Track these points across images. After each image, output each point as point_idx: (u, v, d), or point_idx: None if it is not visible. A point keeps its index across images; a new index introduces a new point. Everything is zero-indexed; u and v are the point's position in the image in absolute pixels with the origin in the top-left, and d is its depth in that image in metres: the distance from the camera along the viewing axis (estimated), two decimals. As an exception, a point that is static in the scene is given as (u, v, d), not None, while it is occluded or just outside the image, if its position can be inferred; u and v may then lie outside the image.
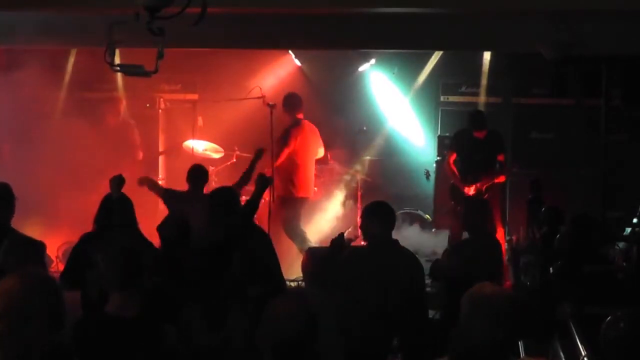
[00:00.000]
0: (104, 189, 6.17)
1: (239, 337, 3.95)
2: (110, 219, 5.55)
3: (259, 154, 7.81)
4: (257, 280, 5.24)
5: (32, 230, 6.34)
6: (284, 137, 8.73)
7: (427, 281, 6.44)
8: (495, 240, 6.55)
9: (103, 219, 5.58)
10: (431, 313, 6.50)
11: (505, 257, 8.63)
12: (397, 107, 10.63)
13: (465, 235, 6.75)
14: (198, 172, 7.26)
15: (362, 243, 6.32)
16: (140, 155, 9.76)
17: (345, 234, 5.65)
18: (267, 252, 5.72)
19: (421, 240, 9.14)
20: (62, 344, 3.07)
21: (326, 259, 5.51)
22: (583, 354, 4.45)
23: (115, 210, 5.61)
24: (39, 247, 4.66)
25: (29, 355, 2.94)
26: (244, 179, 7.57)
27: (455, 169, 9.03)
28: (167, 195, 7.22)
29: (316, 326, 3.33)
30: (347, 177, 9.93)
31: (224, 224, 5.70)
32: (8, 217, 5.64)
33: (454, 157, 9.07)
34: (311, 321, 3.32)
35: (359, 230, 5.64)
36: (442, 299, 6.05)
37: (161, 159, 10.50)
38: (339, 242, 5.50)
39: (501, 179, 9.06)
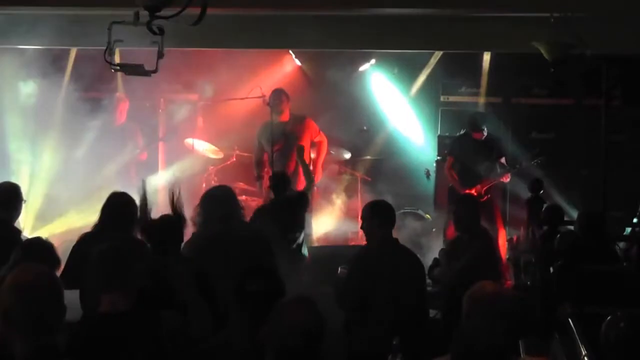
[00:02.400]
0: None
1: (238, 336, 3.94)
2: (111, 219, 5.52)
3: None
4: (255, 278, 5.23)
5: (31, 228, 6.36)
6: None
7: (428, 281, 6.44)
8: (489, 237, 6.54)
9: (104, 218, 5.55)
10: (431, 313, 6.50)
11: (506, 257, 8.65)
12: (397, 107, 10.64)
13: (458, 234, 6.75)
14: (279, 179, 7.35)
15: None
16: (145, 156, 9.74)
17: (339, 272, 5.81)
18: (263, 249, 5.70)
19: (421, 240, 9.13)
20: (55, 345, 3.06)
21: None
22: (583, 353, 4.45)
23: (117, 210, 5.58)
24: (49, 247, 4.66)
25: (20, 353, 2.94)
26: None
27: (455, 174, 9.05)
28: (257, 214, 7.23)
29: (323, 332, 3.32)
30: (347, 177, 9.94)
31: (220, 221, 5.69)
32: (14, 217, 5.66)
33: (451, 161, 9.10)
34: (319, 327, 3.31)
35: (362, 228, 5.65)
36: (441, 298, 6.04)
37: (161, 159, 10.49)
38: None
39: (504, 179, 9.07)
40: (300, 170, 8.75)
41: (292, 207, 7.08)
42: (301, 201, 7.20)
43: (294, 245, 6.98)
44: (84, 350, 3.55)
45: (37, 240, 4.80)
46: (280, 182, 7.32)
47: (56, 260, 4.63)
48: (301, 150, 8.59)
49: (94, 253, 3.86)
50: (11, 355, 2.95)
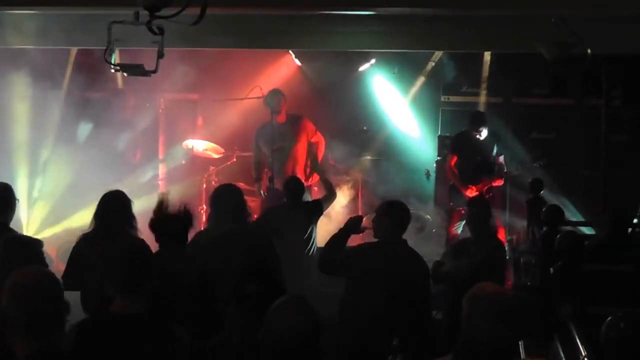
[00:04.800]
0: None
1: (237, 336, 3.95)
2: (108, 218, 5.50)
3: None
4: (255, 278, 5.23)
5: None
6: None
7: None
8: (499, 241, 6.55)
9: (101, 218, 5.52)
10: (432, 313, 6.49)
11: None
12: (397, 107, 10.64)
13: (467, 235, 6.74)
14: (295, 185, 7.53)
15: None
16: (138, 155, 9.77)
17: (364, 219, 5.85)
18: (266, 251, 5.70)
19: (421, 240, 9.13)
20: (56, 345, 3.06)
21: (337, 237, 5.60)
22: (583, 354, 4.46)
23: (114, 209, 5.55)
24: (37, 245, 4.64)
25: (21, 353, 2.94)
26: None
27: (456, 172, 9.05)
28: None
29: (319, 329, 3.32)
30: (347, 177, 9.93)
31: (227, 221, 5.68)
32: (10, 218, 5.63)
33: (454, 160, 9.09)
34: (314, 325, 3.31)
35: (372, 224, 5.64)
36: (447, 299, 6.02)
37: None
38: (356, 220, 5.67)
39: (501, 181, 9.07)
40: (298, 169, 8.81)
41: (309, 214, 7.34)
42: (318, 210, 7.51)
43: (308, 250, 7.21)
44: (94, 350, 3.54)
45: (24, 238, 4.78)
46: (294, 186, 7.46)
47: (43, 258, 4.60)
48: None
49: (113, 255, 3.84)
50: (12, 355, 2.95)
